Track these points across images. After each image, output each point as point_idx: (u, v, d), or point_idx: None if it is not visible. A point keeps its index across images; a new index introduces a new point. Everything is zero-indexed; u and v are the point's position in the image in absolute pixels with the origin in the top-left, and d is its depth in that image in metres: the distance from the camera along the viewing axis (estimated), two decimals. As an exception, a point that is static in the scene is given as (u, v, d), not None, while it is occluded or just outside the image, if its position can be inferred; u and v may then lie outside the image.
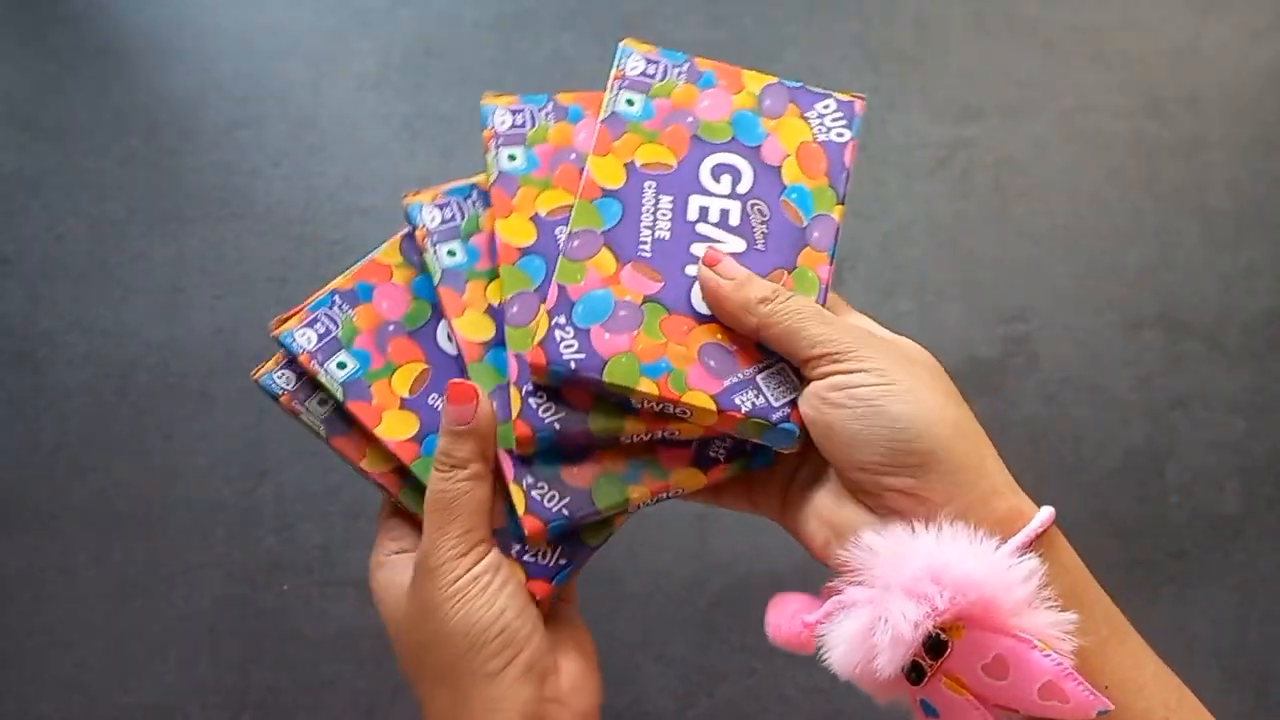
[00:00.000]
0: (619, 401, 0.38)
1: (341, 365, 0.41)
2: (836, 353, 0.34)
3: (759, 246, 0.40)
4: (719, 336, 0.38)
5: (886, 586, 0.31)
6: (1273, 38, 0.83)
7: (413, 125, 0.80)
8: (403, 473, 0.41)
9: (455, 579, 0.35)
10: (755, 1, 0.85)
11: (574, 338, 0.39)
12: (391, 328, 0.42)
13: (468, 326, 0.41)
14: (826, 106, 0.45)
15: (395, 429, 0.40)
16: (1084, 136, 0.80)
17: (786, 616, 0.35)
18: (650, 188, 0.41)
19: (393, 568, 0.38)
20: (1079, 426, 0.71)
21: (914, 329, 0.74)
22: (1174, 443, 0.71)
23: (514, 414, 0.37)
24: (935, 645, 0.31)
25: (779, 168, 0.42)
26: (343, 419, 0.42)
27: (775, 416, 0.36)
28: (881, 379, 0.34)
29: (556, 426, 0.37)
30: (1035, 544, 0.32)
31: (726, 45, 0.83)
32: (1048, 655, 0.30)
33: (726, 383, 0.37)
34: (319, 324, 0.42)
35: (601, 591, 0.68)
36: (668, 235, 0.40)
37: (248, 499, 0.69)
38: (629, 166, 0.42)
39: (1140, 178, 0.78)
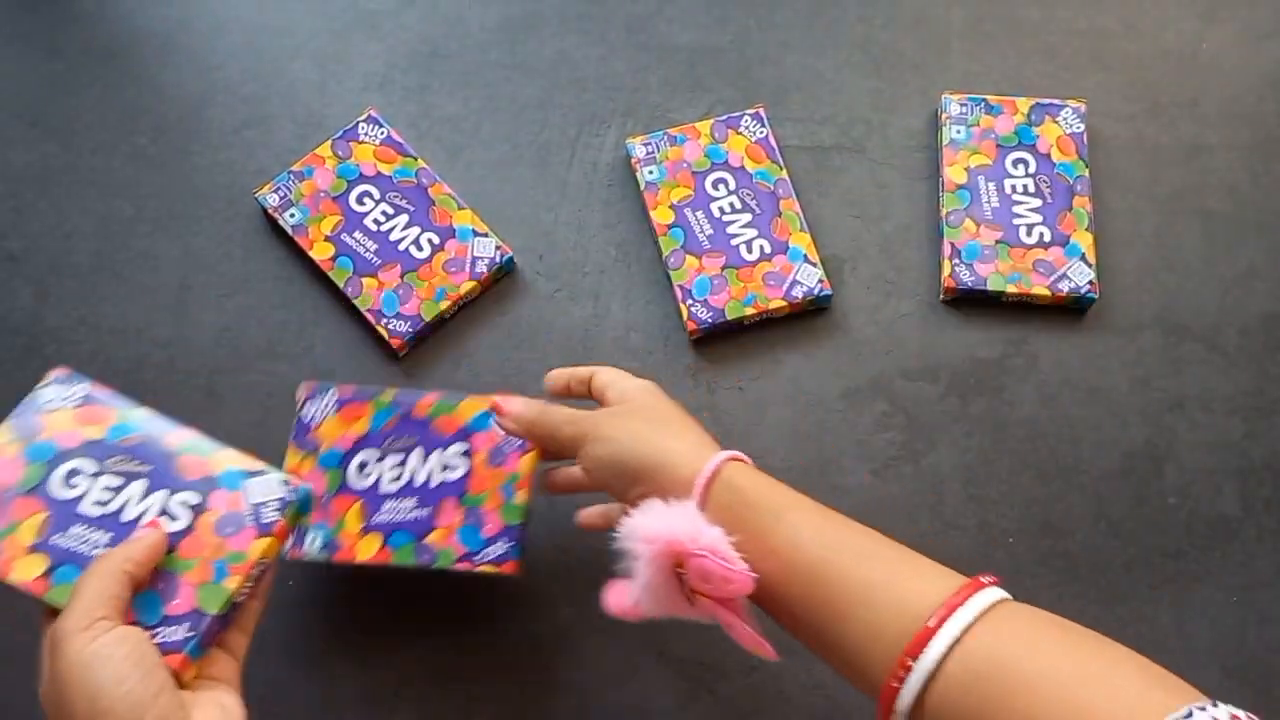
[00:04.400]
0: None
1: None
2: (580, 439, 0.54)
3: (757, 212, 0.75)
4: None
5: (631, 553, 0.48)
6: (1273, 42, 0.83)
7: (418, 126, 0.81)
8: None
9: (77, 652, 0.42)
10: (758, 5, 0.85)
11: (702, 307, 0.73)
12: (10, 493, 0.51)
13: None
14: (749, 119, 0.79)
15: (27, 570, 0.50)
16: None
17: (616, 597, 0.52)
18: (688, 211, 0.76)
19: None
20: (1078, 427, 0.72)
21: (914, 330, 0.75)
22: (1172, 444, 0.71)
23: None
24: (681, 578, 0.47)
25: (742, 166, 0.77)
26: None
27: None
28: (600, 444, 0.53)
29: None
30: (709, 486, 0.49)
31: (729, 49, 0.84)
32: (712, 558, 0.45)
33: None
34: None
35: (602, 588, 0.68)
36: (710, 231, 0.75)
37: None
38: (673, 205, 0.76)
39: (1140, 180, 0.79)
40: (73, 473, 0.52)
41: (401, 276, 0.74)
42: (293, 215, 0.75)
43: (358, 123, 0.78)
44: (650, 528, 0.47)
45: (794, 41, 0.84)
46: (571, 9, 0.85)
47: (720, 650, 0.66)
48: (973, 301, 0.75)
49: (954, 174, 0.76)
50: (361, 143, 0.77)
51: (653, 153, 0.77)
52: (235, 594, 0.49)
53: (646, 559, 0.47)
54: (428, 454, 0.64)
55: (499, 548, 0.59)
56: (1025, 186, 0.76)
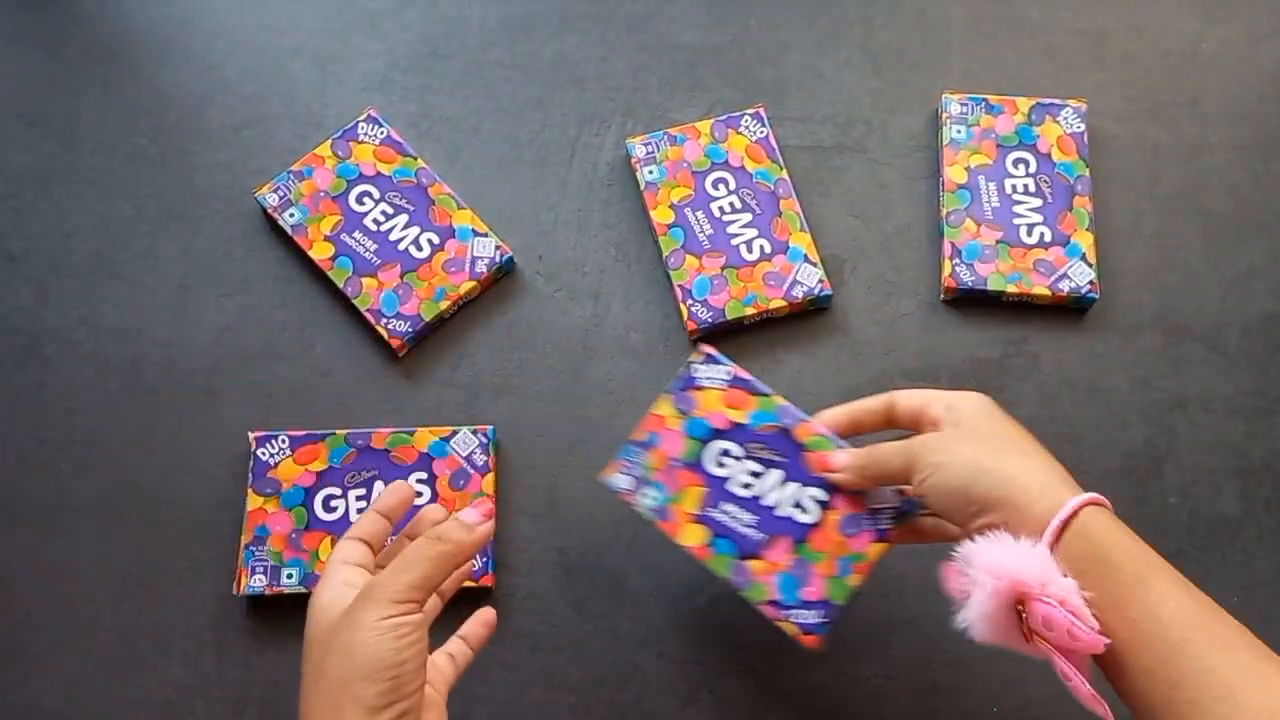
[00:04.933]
0: None
1: (646, 496, 0.59)
2: (909, 467, 0.52)
3: (757, 212, 0.75)
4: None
5: (973, 580, 0.47)
6: (1274, 42, 0.83)
7: (418, 125, 0.81)
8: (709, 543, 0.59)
9: (385, 616, 0.43)
10: (758, 4, 0.85)
11: (702, 307, 0.72)
12: (676, 463, 0.59)
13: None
14: (749, 119, 0.78)
15: (691, 537, 0.58)
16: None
17: (951, 579, 0.50)
18: (688, 211, 0.75)
19: (340, 593, 0.46)
20: (1078, 427, 0.72)
21: (914, 330, 0.74)
22: (1173, 444, 0.71)
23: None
24: (1020, 616, 0.46)
25: (742, 166, 0.77)
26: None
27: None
28: (935, 471, 0.51)
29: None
30: (1064, 529, 0.46)
31: (729, 48, 0.84)
32: (1062, 609, 0.44)
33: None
34: (630, 469, 0.60)
35: (603, 590, 0.68)
36: (710, 230, 0.75)
37: (252, 495, 0.70)
38: (673, 205, 0.76)
39: (1141, 180, 0.79)
40: (724, 453, 0.59)
41: (401, 276, 0.74)
42: (292, 215, 0.75)
43: (357, 123, 0.78)
44: (996, 563, 0.46)
45: (794, 41, 0.84)
46: (571, 9, 0.85)
47: (720, 650, 0.66)
48: (973, 301, 0.75)
49: (954, 174, 0.76)
50: (361, 142, 0.77)
51: (653, 152, 0.77)
52: (856, 590, 0.56)
53: (988, 591, 0.46)
54: (389, 484, 0.65)
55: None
56: (1026, 186, 0.76)
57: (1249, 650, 0.44)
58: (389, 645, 0.42)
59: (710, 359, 0.61)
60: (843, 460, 0.56)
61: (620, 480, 0.60)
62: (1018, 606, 0.46)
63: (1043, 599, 0.45)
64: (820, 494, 0.57)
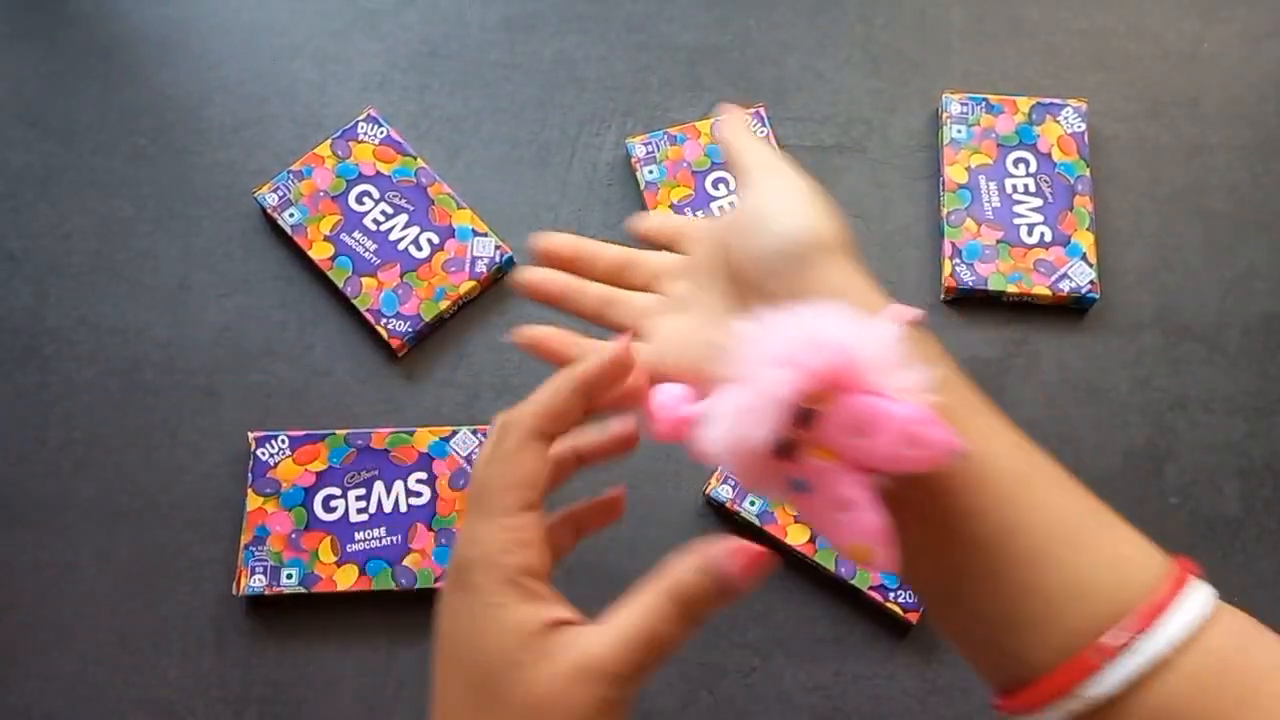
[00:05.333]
0: None
1: (752, 503, 0.67)
2: (746, 168, 0.42)
3: None
4: None
5: (758, 361, 0.31)
6: (1274, 42, 0.83)
7: (418, 125, 0.81)
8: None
9: (603, 698, 0.32)
10: (758, 5, 0.85)
11: None
12: None
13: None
14: (749, 119, 0.78)
15: (797, 537, 0.66)
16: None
17: (668, 407, 0.35)
18: (688, 211, 0.75)
19: (497, 622, 0.33)
20: (1078, 428, 0.72)
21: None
22: (1173, 444, 0.71)
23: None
24: (804, 417, 0.31)
25: None
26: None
27: None
28: (754, 198, 0.41)
29: None
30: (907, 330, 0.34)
31: (729, 48, 0.84)
32: (908, 404, 0.30)
33: None
34: (729, 480, 0.67)
35: (603, 590, 0.68)
36: None
37: (252, 495, 0.70)
38: (673, 205, 0.75)
39: (1141, 180, 0.79)
40: None
41: (401, 276, 0.74)
42: (292, 215, 0.75)
43: (357, 122, 0.78)
44: (824, 334, 0.31)
45: (794, 41, 0.84)
46: (571, 9, 0.85)
47: (720, 650, 0.66)
48: (973, 301, 0.75)
49: (955, 173, 0.76)
50: (361, 142, 0.77)
51: (653, 152, 0.77)
52: None
53: (797, 371, 0.30)
54: (389, 484, 0.67)
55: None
56: (1026, 186, 0.76)
57: (1089, 494, 0.35)
58: (550, 701, 0.32)
59: None
60: (736, 121, 0.46)
61: (723, 491, 0.67)
62: (805, 405, 0.31)
63: (879, 390, 0.31)
64: None
